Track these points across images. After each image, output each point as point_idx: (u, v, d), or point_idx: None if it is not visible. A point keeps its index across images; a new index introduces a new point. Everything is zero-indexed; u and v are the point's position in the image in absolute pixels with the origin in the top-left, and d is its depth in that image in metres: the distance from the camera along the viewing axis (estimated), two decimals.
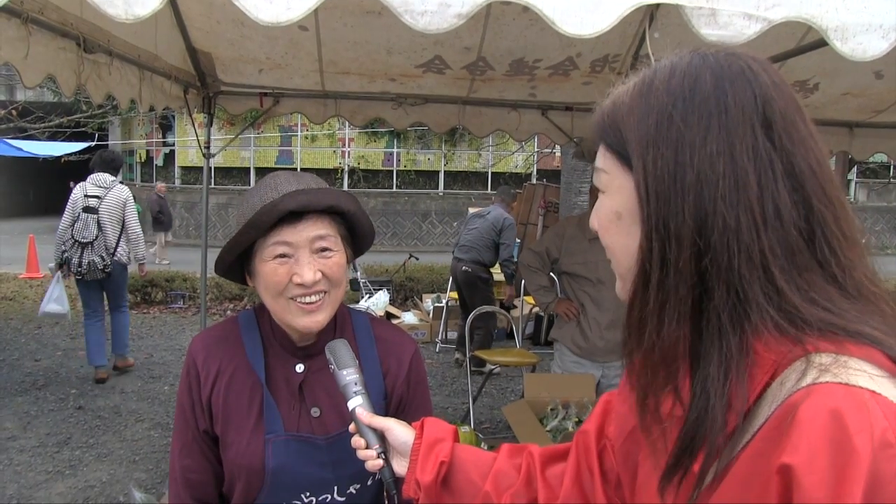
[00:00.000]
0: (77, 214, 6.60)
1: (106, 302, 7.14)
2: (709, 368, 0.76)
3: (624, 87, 0.87)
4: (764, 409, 0.73)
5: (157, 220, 16.97)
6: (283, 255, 1.41)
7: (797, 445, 0.65)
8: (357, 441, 1.29)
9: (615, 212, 0.87)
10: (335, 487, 1.53)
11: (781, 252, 0.75)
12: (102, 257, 6.60)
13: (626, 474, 1.03)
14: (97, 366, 6.98)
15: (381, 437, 1.29)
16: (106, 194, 6.72)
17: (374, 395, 1.54)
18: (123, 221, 6.83)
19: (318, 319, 1.46)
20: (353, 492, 1.55)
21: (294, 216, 1.39)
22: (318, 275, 1.42)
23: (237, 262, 1.49)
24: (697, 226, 0.76)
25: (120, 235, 6.79)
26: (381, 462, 1.26)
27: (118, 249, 6.76)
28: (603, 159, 0.88)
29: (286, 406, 1.52)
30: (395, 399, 1.60)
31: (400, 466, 1.27)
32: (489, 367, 6.45)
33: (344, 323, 1.62)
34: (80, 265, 6.55)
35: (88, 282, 6.73)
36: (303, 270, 1.40)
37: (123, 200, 6.83)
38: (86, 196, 6.65)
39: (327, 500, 1.53)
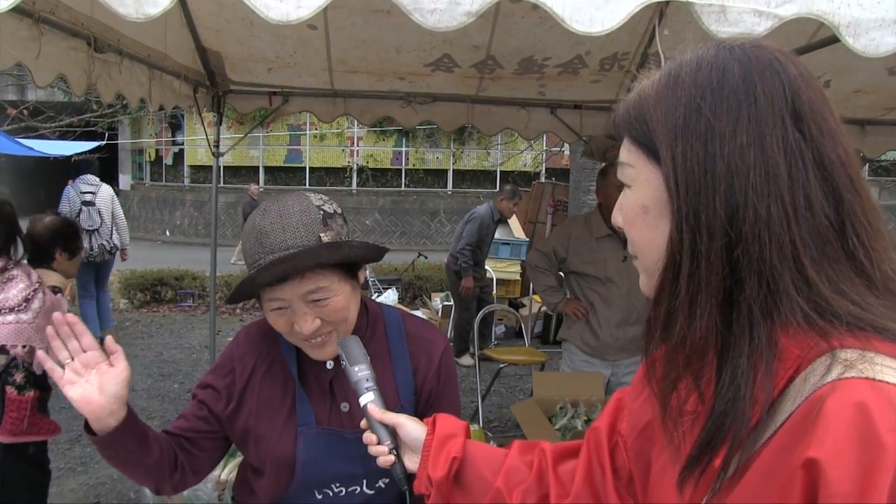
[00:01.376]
0: (79, 209, 7.67)
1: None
2: (738, 360, 0.75)
3: (649, 81, 0.86)
4: (787, 404, 0.73)
5: None
6: (279, 308, 1.44)
7: (822, 439, 0.65)
8: (369, 437, 1.30)
9: (642, 205, 0.86)
10: (364, 481, 1.57)
11: (812, 242, 0.75)
12: (107, 241, 7.82)
13: (638, 471, 1.03)
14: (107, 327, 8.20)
15: (393, 433, 1.29)
16: (98, 191, 7.87)
17: (405, 391, 1.58)
18: (112, 214, 8.01)
19: (327, 352, 1.51)
20: (382, 486, 1.59)
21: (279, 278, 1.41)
22: (317, 322, 1.45)
23: None
24: (728, 217, 0.76)
25: (112, 225, 7.99)
26: (392, 458, 1.27)
27: (112, 235, 7.96)
28: (628, 153, 0.88)
29: (318, 401, 1.57)
30: (425, 394, 1.64)
31: (412, 462, 1.28)
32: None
33: (376, 320, 1.65)
34: (91, 249, 7.63)
35: (91, 265, 7.77)
36: (300, 322, 1.44)
37: (111, 196, 8.04)
38: (81, 193, 7.76)
39: (356, 492, 1.57)
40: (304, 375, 1.58)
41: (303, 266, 1.39)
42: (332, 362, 1.57)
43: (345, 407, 1.57)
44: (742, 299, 0.76)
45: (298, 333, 1.45)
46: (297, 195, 1.52)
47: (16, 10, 2.30)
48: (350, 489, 1.56)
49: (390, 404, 1.54)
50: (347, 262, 1.48)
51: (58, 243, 3.58)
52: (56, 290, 3.36)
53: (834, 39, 2.02)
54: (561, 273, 4.51)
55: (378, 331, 1.64)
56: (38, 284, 3.15)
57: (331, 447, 1.53)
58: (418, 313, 9.60)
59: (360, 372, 1.35)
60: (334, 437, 1.54)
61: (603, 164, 4.82)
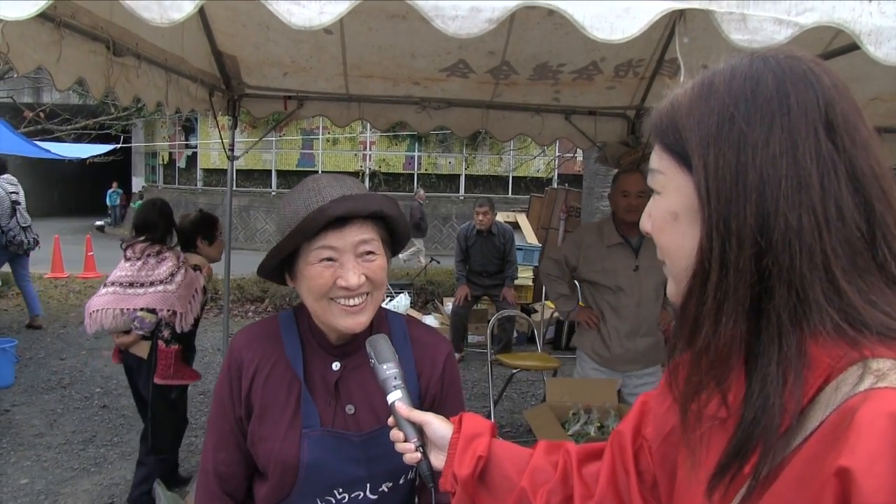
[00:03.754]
0: (12, 208, 8.65)
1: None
2: (768, 368, 0.76)
3: (682, 89, 0.87)
4: (818, 413, 0.73)
5: (418, 226, 16.72)
6: (328, 259, 1.44)
7: (855, 449, 0.65)
8: (396, 434, 1.31)
9: (672, 212, 0.87)
10: (367, 485, 1.55)
11: (843, 253, 0.75)
12: (34, 236, 9.00)
13: (662, 475, 1.03)
14: (39, 314, 9.40)
15: (420, 430, 1.30)
16: (19, 190, 8.90)
17: (410, 395, 1.57)
18: None
19: (360, 321, 1.50)
20: (385, 490, 1.58)
21: (339, 221, 1.42)
22: (363, 278, 1.45)
23: (279, 263, 1.52)
24: (759, 225, 0.76)
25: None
26: (418, 455, 1.27)
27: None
28: (660, 160, 0.88)
29: (322, 402, 1.56)
30: (429, 399, 1.63)
31: (437, 460, 1.28)
32: None
33: (380, 324, 1.64)
34: (28, 243, 8.85)
35: (20, 255, 8.98)
36: (347, 274, 1.44)
37: (23, 194, 9.06)
38: (9, 193, 8.69)
39: (359, 498, 1.56)
40: (310, 376, 1.57)
41: (368, 206, 1.45)
42: (338, 364, 1.57)
43: (350, 409, 1.56)
44: (771, 308, 0.76)
45: (341, 289, 1.45)
46: None
47: (38, 14, 2.33)
48: (353, 495, 1.55)
49: None
50: (395, 225, 1.54)
51: (198, 233, 4.60)
52: (196, 268, 4.38)
53: (851, 47, 2.01)
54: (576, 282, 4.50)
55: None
56: (182, 263, 4.24)
57: (335, 450, 1.52)
58: (430, 318, 9.61)
59: (389, 370, 1.36)
60: (339, 439, 1.53)
61: (616, 171, 4.81)
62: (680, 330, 0.84)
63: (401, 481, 1.59)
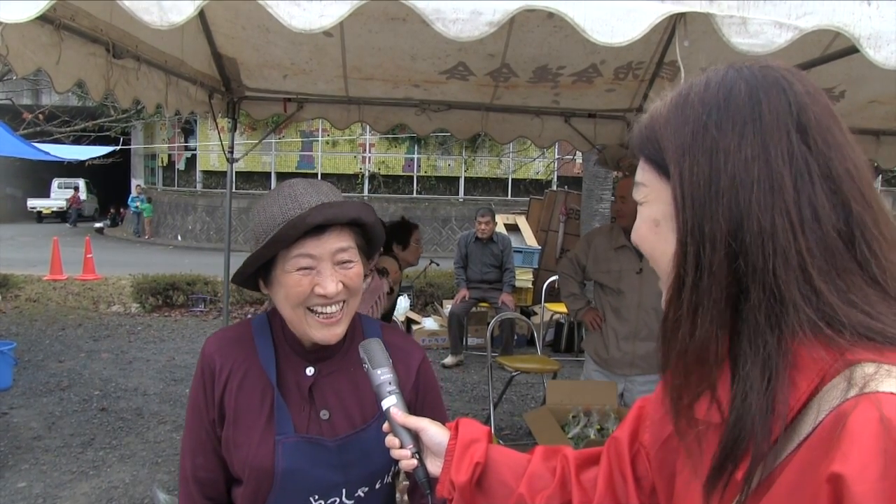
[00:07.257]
0: None
1: None
2: (747, 369, 0.77)
3: (661, 102, 0.89)
4: (810, 419, 0.73)
5: None
6: (306, 268, 1.43)
7: (847, 454, 0.65)
8: (391, 440, 1.30)
9: (653, 219, 0.89)
10: (343, 490, 1.54)
11: (820, 253, 0.76)
12: None
13: (661, 481, 1.03)
14: None
15: (415, 436, 1.29)
16: None
17: (404, 402, 1.56)
18: None
19: (336, 332, 1.49)
20: (362, 495, 1.56)
21: (318, 229, 1.42)
22: (340, 286, 1.45)
23: (254, 271, 1.51)
24: (731, 228, 0.77)
25: None
26: (415, 462, 1.26)
27: None
28: (642, 172, 0.90)
29: (296, 408, 1.54)
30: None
31: (434, 466, 1.27)
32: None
33: (354, 329, 1.63)
34: None
35: None
36: (325, 282, 1.43)
37: None
38: None
39: (336, 503, 1.54)
40: (284, 382, 1.55)
41: (348, 214, 1.44)
42: (311, 369, 1.56)
43: (324, 415, 1.54)
44: (748, 309, 0.77)
45: (318, 297, 1.44)
46: None
47: (38, 16, 2.33)
48: (329, 500, 1.53)
49: (369, 414, 1.54)
50: (371, 232, 1.53)
51: (392, 238, 4.88)
52: (384, 271, 4.52)
53: (849, 50, 2.01)
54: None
55: (356, 340, 1.60)
56: (369, 271, 4.27)
57: (311, 456, 1.51)
58: (429, 320, 9.61)
59: (383, 375, 1.34)
60: (314, 445, 1.51)
61: (618, 174, 4.83)
62: (663, 334, 0.86)
63: (377, 486, 1.58)
